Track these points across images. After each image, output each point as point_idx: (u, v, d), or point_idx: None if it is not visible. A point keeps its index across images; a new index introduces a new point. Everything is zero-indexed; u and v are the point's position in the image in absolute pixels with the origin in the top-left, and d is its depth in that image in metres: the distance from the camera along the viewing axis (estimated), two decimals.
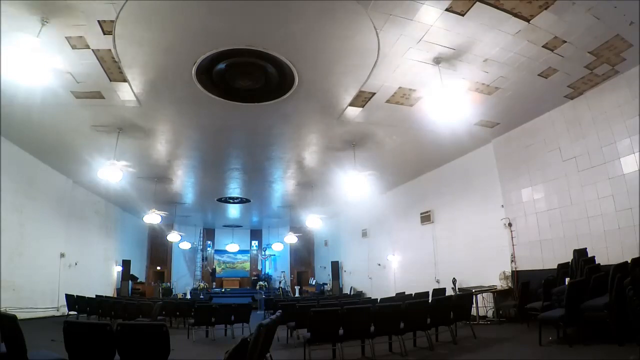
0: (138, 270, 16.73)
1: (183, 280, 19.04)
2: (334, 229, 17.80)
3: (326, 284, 17.29)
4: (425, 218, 10.99)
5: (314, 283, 18.90)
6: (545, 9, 4.35)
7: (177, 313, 9.40)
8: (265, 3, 4.22)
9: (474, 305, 7.28)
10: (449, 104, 5.22)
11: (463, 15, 4.42)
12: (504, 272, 7.95)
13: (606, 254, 5.94)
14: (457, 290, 8.26)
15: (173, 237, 15.15)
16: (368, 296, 12.77)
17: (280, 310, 5.80)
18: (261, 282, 19.08)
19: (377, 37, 4.83)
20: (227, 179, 11.83)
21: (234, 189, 12.98)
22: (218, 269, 20.69)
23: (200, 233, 20.46)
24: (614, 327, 4.18)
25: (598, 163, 6.25)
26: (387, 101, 6.56)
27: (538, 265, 7.25)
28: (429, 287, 8.51)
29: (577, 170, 6.62)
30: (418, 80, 5.91)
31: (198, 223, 19.77)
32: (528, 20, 4.55)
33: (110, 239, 14.38)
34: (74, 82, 5.71)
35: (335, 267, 16.66)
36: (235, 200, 14.46)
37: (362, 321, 5.03)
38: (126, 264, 14.80)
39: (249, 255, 21.85)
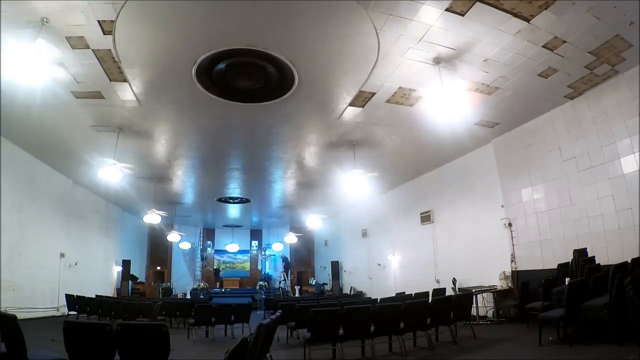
0: (138, 270, 16.73)
1: (183, 280, 19.02)
2: (334, 229, 17.79)
3: (326, 284, 17.27)
4: (425, 218, 10.99)
5: (314, 283, 18.88)
6: (545, 9, 4.35)
7: (177, 313, 9.40)
8: (265, 3, 4.22)
9: (474, 305, 7.28)
10: (449, 104, 5.22)
11: (463, 15, 4.42)
12: (504, 272, 7.94)
13: (606, 254, 5.94)
14: (457, 290, 8.25)
15: (173, 237, 15.14)
16: (368, 296, 12.76)
17: (280, 310, 5.80)
18: (261, 282, 19.08)
19: (377, 37, 4.83)
20: (227, 179, 11.82)
21: (234, 189, 12.97)
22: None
23: (200, 233, 20.45)
24: (614, 327, 4.18)
25: (598, 163, 6.25)
26: (387, 101, 6.56)
27: (538, 265, 7.25)
28: (429, 287, 8.52)
29: (577, 170, 6.62)
30: (418, 80, 5.91)
31: (198, 223, 19.76)
32: (528, 20, 4.55)
33: (110, 239, 14.37)
34: (74, 82, 5.71)
35: (335, 267, 16.64)
36: (235, 200, 14.45)
37: (362, 321, 5.03)
38: (126, 264, 14.80)
39: (249, 255, 21.85)
